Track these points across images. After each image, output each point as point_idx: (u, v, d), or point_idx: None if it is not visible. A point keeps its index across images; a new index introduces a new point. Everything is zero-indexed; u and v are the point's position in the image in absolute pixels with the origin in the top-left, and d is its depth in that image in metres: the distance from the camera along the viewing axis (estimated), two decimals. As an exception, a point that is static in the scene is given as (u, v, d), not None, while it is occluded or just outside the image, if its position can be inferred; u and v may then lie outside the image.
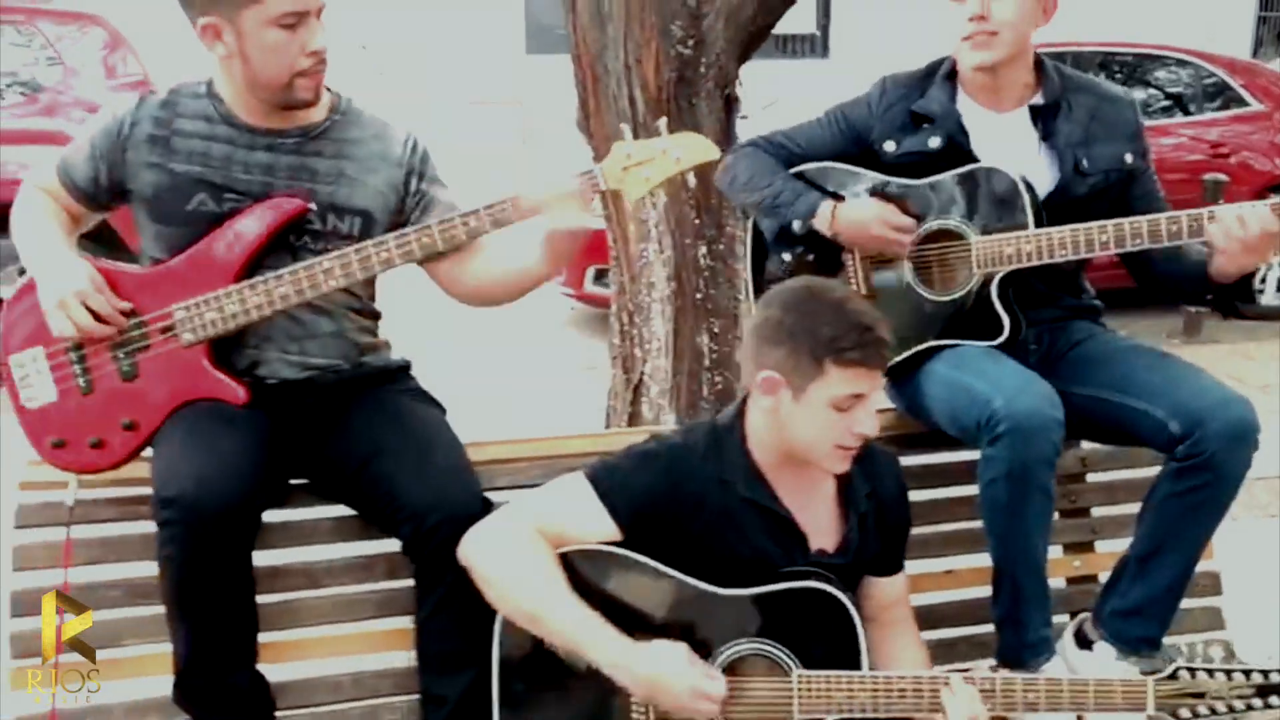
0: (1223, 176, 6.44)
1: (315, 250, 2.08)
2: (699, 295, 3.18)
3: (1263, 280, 6.88)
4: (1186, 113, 7.10)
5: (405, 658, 2.19)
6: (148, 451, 2.10)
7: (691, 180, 3.05)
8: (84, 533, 2.12)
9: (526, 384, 5.49)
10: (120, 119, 2.09)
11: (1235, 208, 2.13)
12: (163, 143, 2.07)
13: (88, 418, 2.07)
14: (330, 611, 2.19)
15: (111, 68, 6.28)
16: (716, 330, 3.22)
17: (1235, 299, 2.13)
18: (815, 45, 15.43)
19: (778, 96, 6.88)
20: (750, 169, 2.46)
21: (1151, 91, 7.17)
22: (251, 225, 2.04)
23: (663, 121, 2.06)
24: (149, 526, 2.10)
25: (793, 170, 2.47)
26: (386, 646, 2.25)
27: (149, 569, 2.08)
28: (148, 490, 2.10)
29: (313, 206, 2.07)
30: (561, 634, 1.81)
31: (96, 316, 2.00)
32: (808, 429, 1.85)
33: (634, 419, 3.27)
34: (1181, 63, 7.22)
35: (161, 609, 2.06)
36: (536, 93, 15.73)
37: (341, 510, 2.19)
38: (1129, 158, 2.38)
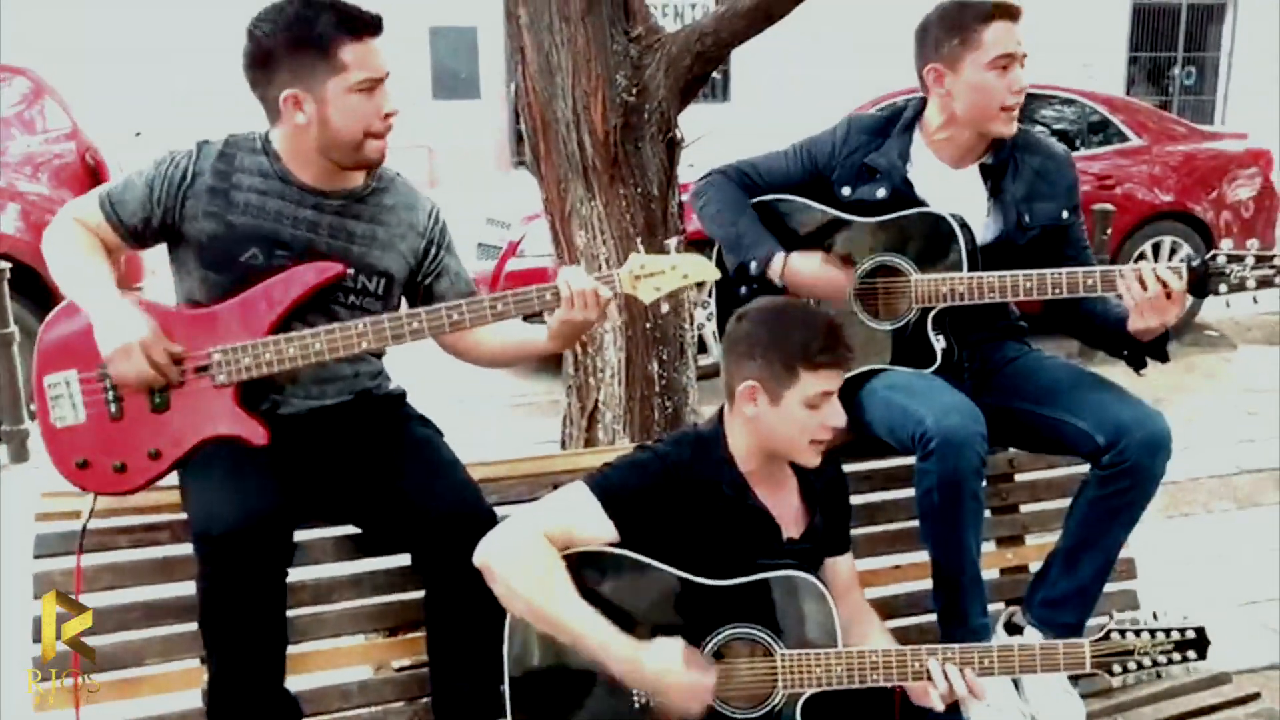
0: (1110, 206, 6.88)
1: (345, 304, 2.25)
2: (648, 325, 3.36)
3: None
4: (1073, 148, 7.54)
5: (408, 666, 2.34)
6: (164, 481, 2.21)
7: (639, 220, 3.30)
8: (100, 560, 2.22)
9: (458, 420, 5.60)
10: (184, 168, 2.22)
11: (1141, 266, 2.31)
12: (222, 195, 2.21)
13: (114, 442, 2.16)
14: (336, 625, 2.32)
15: (31, 121, 6.27)
16: (665, 358, 3.40)
17: (1151, 356, 2.33)
18: (717, 90, 15.94)
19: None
20: (719, 201, 2.64)
21: (1039, 128, 7.60)
22: (294, 284, 2.19)
23: (673, 241, 2.29)
24: (161, 552, 2.24)
25: (755, 200, 2.65)
26: (390, 656, 2.40)
27: (164, 591, 2.23)
28: (159, 518, 2.25)
29: (350, 271, 2.24)
30: (569, 630, 1.96)
31: (153, 364, 2.11)
32: (787, 429, 2.06)
33: (589, 444, 3.43)
34: (1067, 101, 7.68)
35: (179, 628, 2.20)
36: (443, 137, 15.93)
37: (342, 530, 2.32)
38: (1065, 214, 2.61)
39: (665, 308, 3.23)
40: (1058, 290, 2.39)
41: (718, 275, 2.31)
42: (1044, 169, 2.61)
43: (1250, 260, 2.29)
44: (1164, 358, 2.52)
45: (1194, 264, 2.32)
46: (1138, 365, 2.55)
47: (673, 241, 2.29)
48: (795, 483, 2.21)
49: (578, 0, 3.18)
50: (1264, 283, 2.30)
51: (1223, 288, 2.31)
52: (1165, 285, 2.29)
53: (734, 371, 2.09)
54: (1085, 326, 2.62)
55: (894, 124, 2.65)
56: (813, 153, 2.68)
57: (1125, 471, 2.39)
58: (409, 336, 2.20)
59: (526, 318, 2.28)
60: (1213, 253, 2.33)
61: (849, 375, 2.48)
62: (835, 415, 2.08)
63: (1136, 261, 2.40)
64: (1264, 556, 4.15)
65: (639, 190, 3.29)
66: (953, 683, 2.01)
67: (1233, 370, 6.88)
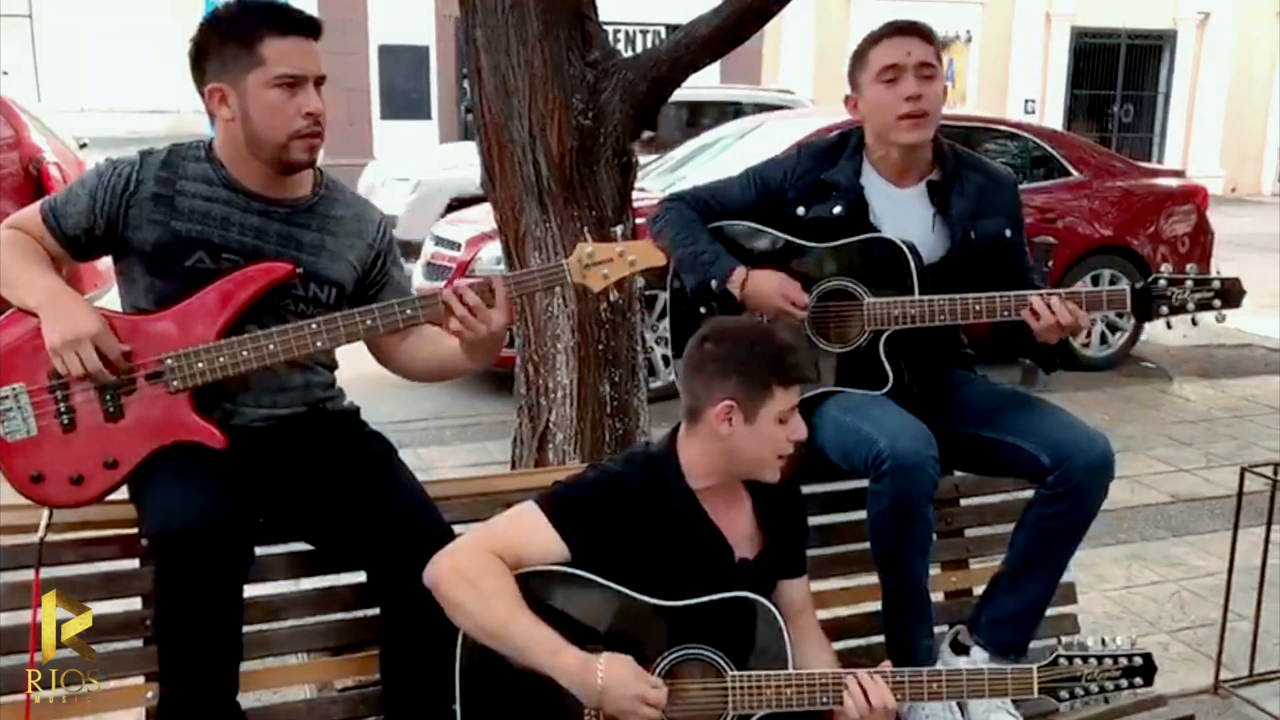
0: (1051, 239, 7.00)
1: (295, 313, 2.22)
2: (600, 346, 3.37)
3: (1088, 337, 7.54)
4: (1015, 181, 7.69)
5: (351, 686, 2.32)
6: (115, 495, 2.18)
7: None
8: (45, 575, 2.16)
9: (408, 440, 5.58)
10: (126, 176, 2.19)
11: (1052, 298, 2.43)
12: (166, 201, 2.19)
13: (69, 454, 2.12)
14: (288, 643, 2.30)
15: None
16: (617, 379, 3.41)
17: (1056, 358, 2.51)
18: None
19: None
20: (678, 224, 2.69)
21: (982, 161, 7.74)
22: (242, 285, 2.16)
23: (619, 229, 2.30)
24: (108, 567, 2.21)
25: (711, 225, 2.70)
26: (335, 675, 2.38)
27: (110, 607, 2.19)
28: (108, 533, 2.22)
29: (299, 271, 2.22)
30: (520, 648, 1.96)
31: (104, 359, 2.09)
32: (760, 446, 2.09)
33: (540, 465, 3.42)
34: (1010, 135, 7.81)
35: (122, 645, 2.17)
36: (391, 154, 15.89)
37: (296, 547, 2.30)
38: (1008, 233, 2.69)
39: (614, 295, 3.26)
40: (1006, 313, 2.47)
41: (664, 260, 2.32)
42: (987, 187, 2.70)
43: (1190, 284, 2.42)
44: (1050, 367, 2.69)
45: (1137, 287, 2.43)
46: (1047, 366, 2.73)
47: (619, 228, 2.31)
48: (749, 504, 2.23)
49: (535, 23, 3.20)
50: (1203, 305, 2.42)
51: (1164, 309, 2.42)
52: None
53: (703, 393, 2.09)
54: (1005, 334, 2.66)
55: (843, 148, 2.73)
56: (765, 178, 2.74)
57: (1070, 491, 2.44)
58: (363, 333, 2.18)
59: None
60: (1154, 276, 2.43)
61: (804, 397, 2.53)
62: (799, 429, 2.13)
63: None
64: (1198, 583, 4.24)
65: (593, 213, 3.31)
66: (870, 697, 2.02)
67: (1168, 401, 7.02)
